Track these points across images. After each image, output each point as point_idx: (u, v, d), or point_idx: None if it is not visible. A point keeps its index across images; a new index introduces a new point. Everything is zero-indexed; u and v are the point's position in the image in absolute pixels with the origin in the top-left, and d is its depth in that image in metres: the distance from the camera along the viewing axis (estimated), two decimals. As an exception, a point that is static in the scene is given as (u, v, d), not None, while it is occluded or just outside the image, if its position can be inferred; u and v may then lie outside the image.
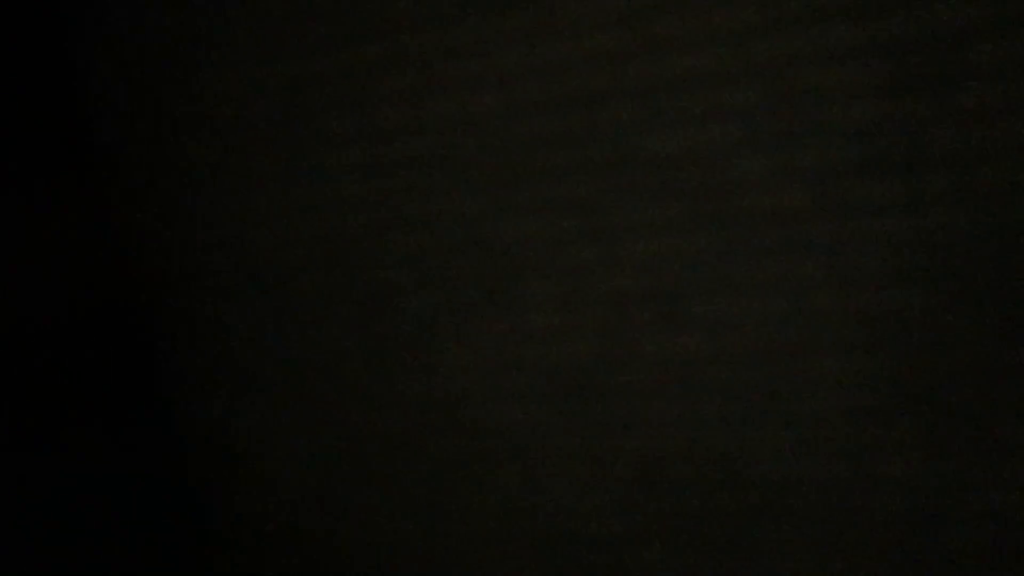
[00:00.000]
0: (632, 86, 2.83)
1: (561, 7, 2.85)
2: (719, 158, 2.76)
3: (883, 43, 2.57)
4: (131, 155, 3.53)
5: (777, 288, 2.77)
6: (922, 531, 2.73)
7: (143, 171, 3.52)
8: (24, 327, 3.20)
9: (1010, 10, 2.45)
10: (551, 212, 2.97)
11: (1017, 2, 2.45)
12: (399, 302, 3.20)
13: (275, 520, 3.57)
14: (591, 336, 2.98)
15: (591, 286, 2.95)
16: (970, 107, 2.52)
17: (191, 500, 3.71)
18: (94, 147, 3.59)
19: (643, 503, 3.01)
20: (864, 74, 2.60)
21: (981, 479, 2.66)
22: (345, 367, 3.33)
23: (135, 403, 3.61)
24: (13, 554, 3.11)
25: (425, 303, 3.17)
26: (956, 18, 2.49)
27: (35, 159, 3.29)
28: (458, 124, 3.04)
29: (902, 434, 2.73)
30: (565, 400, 3.05)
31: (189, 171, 3.43)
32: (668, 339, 2.89)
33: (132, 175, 3.54)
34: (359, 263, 3.24)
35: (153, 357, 3.66)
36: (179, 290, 3.54)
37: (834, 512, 2.81)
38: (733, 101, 2.73)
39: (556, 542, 3.14)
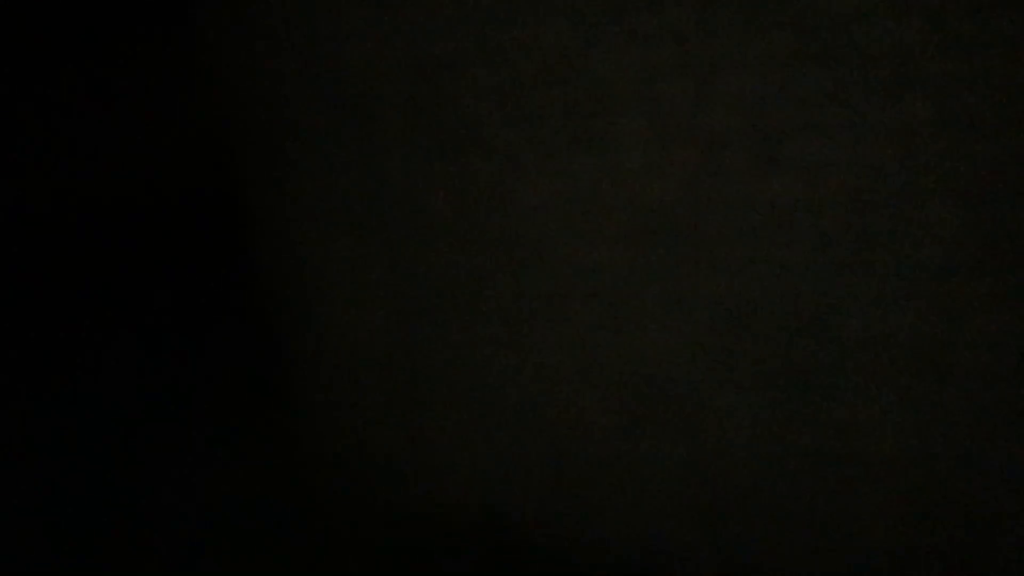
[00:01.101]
0: (739, -91, 2.64)
1: None
2: (828, -10, 2.59)
3: None
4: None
5: (880, 131, 2.63)
6: (1009, 389, 2.65)
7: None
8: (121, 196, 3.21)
9: None
10: (643, 44, 2.84)
11: None
12: (483, 136, 3.13)
13: (357, 357, 3.61)
14: (680, 176, 2.89)
15: (683, 124, 2.84)
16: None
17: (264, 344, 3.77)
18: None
19: (723, 349, 2.97)
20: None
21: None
22: (427, 201, 3.29)
23: (220, 250, 3.63)
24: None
25: (510, 138, 3.10)
26: None
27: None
28: (551, -51, 2.89)
29: (993, 291, 2.62)
30: (650, 241, 2.98)
31: (273, -5, 3.34)
32: (760, 182, 2.79)
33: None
34: (444, 94, 3.16)
35: (237, 202, 3.66)
36: (263, 121, 3.51)
37: (923, 367, 2.74)
38: (848, -73, 2.53)
39: (633, 383, 3.13)
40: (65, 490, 4.35)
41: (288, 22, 3.35)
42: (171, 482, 4.29)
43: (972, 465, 2.72)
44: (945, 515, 2.77)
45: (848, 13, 2.58)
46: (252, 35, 3.43)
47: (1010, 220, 2.59)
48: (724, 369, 2.98)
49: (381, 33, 3.20)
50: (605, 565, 3.26)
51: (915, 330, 2.72)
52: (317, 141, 3.43)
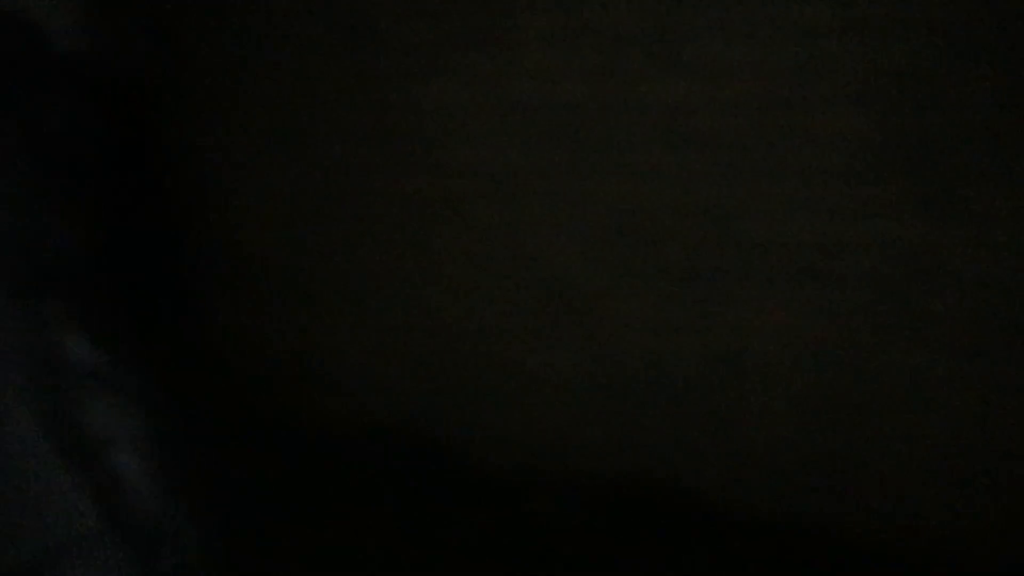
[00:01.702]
0: None
1: None
2: None
3: None
4: None
5: (778, 34, 2.61)
6: (902, 294, 2.71)
7: None
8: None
9: None
10: (548, -61, 2.76)
11: None
12: (382, 33, 3.04)
13: (257, 263, 3.54)
14: (581, 77, 2.84)
15: (585, 23, 2.79)
16: None
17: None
18: None
19: (623, 254, 2.97)
20: None
21: (963, 243, 2.61)
22: (325, 98, 3.20)
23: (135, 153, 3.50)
24: None
25: (409, 35, 3.01)
26: None
27: None
28: None
29: (893, 194, 2.65)
30: (551, 142, 2.95)
31: None
32: (663, 84, 2.76)
33: None
34: (342, -13, 3.05)
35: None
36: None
37: (816, 271, 2.78)
38: None
39: (533, 288, 3.12)
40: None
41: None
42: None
43: (851, 369, 2.79)
44: (832, 419, 2.84)
45: (752, -89, 2.54)
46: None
47: (913, 127, 2.61)
48: (623, 274, 2.99)
49: (275, -80, 3.06)
50: (511, 466, 3.29)
51: (814, 235, 2.75)
52: (206, 33, 3.30)
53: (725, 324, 2.90)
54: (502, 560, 2.97)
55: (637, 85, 2.80)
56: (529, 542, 3.03)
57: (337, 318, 3.45)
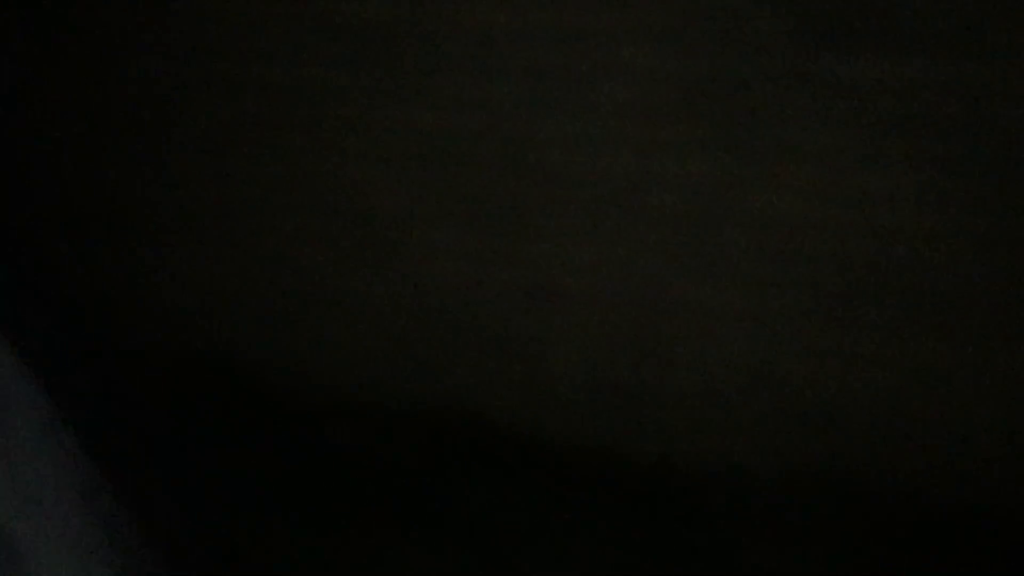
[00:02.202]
0: None
1: None
2: None
3: None
4: None
5: (584, -35, 2.62)
6: (697, 230, 2.77)
7: None
8: None
9: None
10: None
11: None
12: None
13: (66, 183, 3.41)
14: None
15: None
16: None
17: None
18: None
19: (433, 182, 2.96)
20: None
21: (754, 180, 2.68)
22: (128, 7, 3.09)
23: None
24: None
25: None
26: None
27: None
28: None
29: (693, 131, 2.70)
30: (364, 64, 2.91)
31: None
32: (469, 10, 2.74)
33: None
34: None
35: None
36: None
37: (616, 206, 2.82)
38: None
39: (341, 215, 3.09)
40: None
41: None
42: None
43: (649, 303, 2.85)
44: (629, 350, 2.91)
45: None
46: None
47: (706, 63, 2.66)
48: (433, 202, 2.98)
49: None
50: (315, 394, 3.28)
51: (610, 169, 2.79)
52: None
53: (531, 255, 2.93)
54: (298, 491, 2.97)
55: (451, 10, 2.78)
56: (330, 472, 3.04)
57: (147, 244, 3.36)
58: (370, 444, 3.12)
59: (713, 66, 2.65)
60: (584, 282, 2.88)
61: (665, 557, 2.88)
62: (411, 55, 2.85)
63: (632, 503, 2.91)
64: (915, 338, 2.64)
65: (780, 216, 2.70)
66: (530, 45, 2.74)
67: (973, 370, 2.60)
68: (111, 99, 3.24)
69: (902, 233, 2.63)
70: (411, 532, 2.98)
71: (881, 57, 2.53)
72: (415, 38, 2.84)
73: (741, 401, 2.81)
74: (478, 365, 3.07)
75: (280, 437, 3.16)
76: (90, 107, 3.28)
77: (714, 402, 2.84)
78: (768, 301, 2.76)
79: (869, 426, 2.72)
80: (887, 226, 2.63)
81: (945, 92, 2.50)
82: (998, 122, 2.47)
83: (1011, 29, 2.41)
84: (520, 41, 2.74)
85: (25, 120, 3.39)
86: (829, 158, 2.64)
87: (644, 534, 2.89)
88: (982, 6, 2.42)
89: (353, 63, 2.92)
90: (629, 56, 2.70)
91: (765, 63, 2.60)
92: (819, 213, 2.68)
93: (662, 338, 2.85)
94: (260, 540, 3.00)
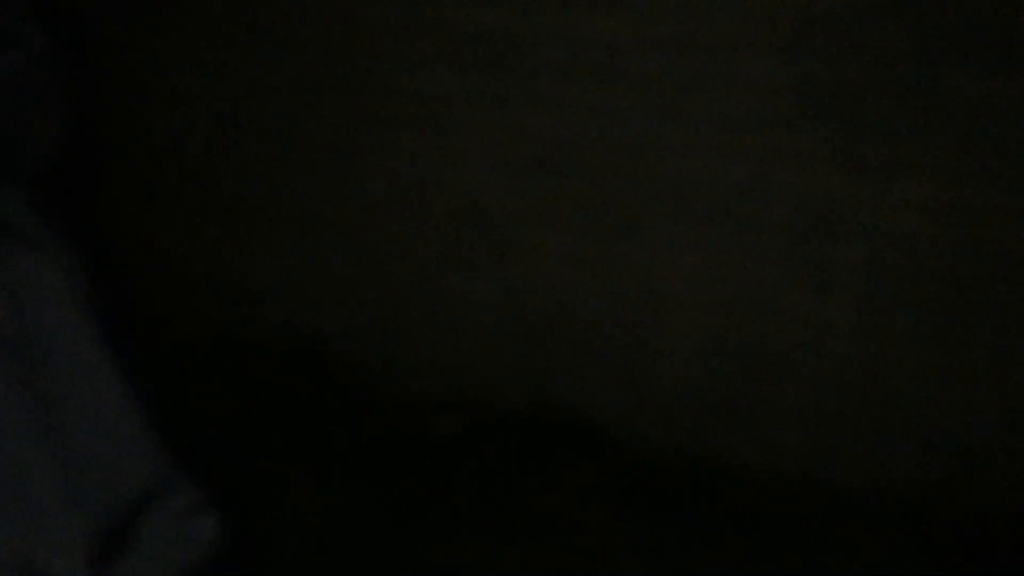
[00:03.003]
0: None
1: None
2: None
3: None
4: None
5: (709, -25, 2.64)
6: (810, 243, 2.77)
7: None
8: None
9: None
10: None
11: None
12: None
13: (177, 176, 3.52)
14: (513, 6, 2.85)
15: (520, -48, 2.79)
16: None
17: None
18: None
19: (543, 186, 3.00)
20: None
21: (869, 197, 2.67)
22: (257, 10, 3.19)
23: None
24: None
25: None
26: None
27: None
28: None
29: (811, 144, 2.70)
30: (481, 70, 2.96)
31: None
32: (589, 19, 2.78)
33: None
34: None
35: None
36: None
37: (731, 216, 2.83)
38: None
39: (452, 214, 3.14)
40: None
41: None
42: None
43: (763, 313, 2.85)
44: (735, 361, 2.91)
45: None
46: None
47: (829, 77, 2.65)
48: (542, 205, 3.02)
49: None
50: (423, 391, 3.33)
51: (725, 179, 2.80)
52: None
53: (638, 261, 2.95)
54: (402, 482, 3.02)
55: (568, 19, 2.82)
56: (432, 465, 3.08)
57: (259, 235, 3.45)
58: (469, 441, 3.16)
59: (832, 79, 2.64)
60: (693, 290, 2.89)
61: (758, 570, 2.86)
62: (528, 61, 2.89)
63: (731, 516, 2.90)
64: (1032, 360, 2.60)
65: (895, 232, 2.69)
66: (647, 54, 2.77)
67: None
68: (236, 96, 3.34)
69: (1020, 253, 2.59)
70: (491, 529, 3.01)
71: (1006, 74, 2.50)
72: (532, 45, 2.89)
73: (850, 418, 2.79)
74: (582, 368, 3.09)
75: (380, 430, 3.22)
76: (215, 104, 3.39)
77: (822, 418, 2.82)
78: (880, 317, 2.74)
79: (981, 450, 2.68)
80: (1005, 246, 2.60)
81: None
82: None
83: None
84: (637, 50, 2.77)
85: (155, 113, 3.51)
86: (946, 175, 2.62)
87: (737, 547, 2.89)
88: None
89: (471, 68, 2.98)
90: (746, 67, 2.71)
91: (886, 77, 2.59)
92: (935, 230, 2.66)
93: (771, 351, 2.84)
94: (350, 530, 3.06)
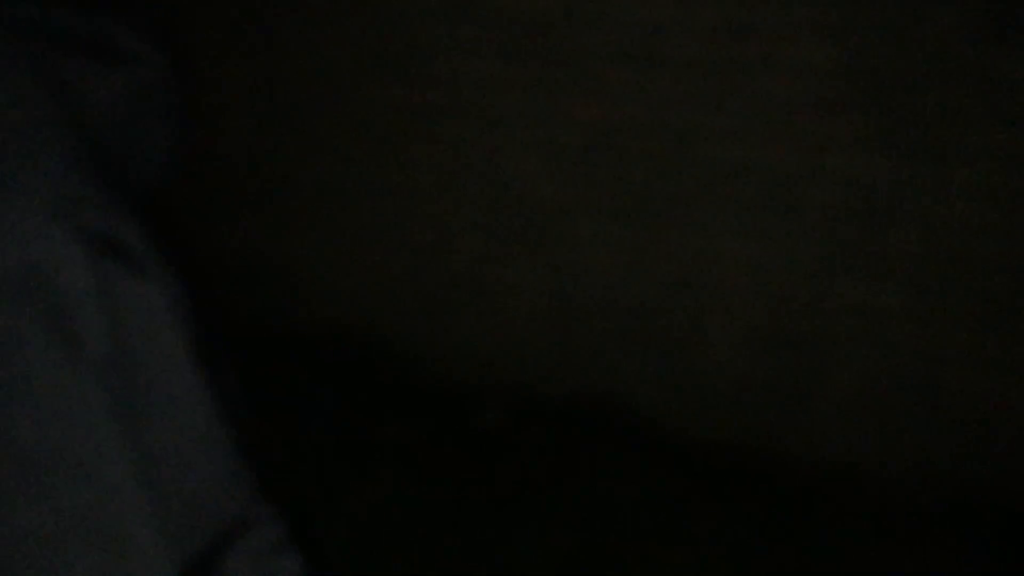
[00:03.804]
0: None
1: None
2: None
3: None
4: None
5: (758, -42, 2.60)
6: (860, 229, 2.73)
7: None
8: None
9: None
10: None
11: None
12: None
13: (225, 170, 3.52)
14: (557, -9, 2.82)
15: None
16: None
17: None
18: None
19: (589, 173, 2.97)
20: None
21: (921, 181, 2.62)
22: (303, 3, 3.18)
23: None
24: None
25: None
26: None
27: None
28: None
29: (858, 129, 2.66)
30: (524, 58, 2.94)
31: None
32: (633, 3, 2.74)
33: None
34: None
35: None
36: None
37: (779, 201, 2.79)
38: None
39: (499, 205, 3.13)
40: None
41: None
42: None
43: (816, 301, 2.81)
44: (784, 348, 2.87)
45: None
46: None
47: (882, 62, 2.61)
48: (588, 193, 2.99)
49: None
50: (466, 381, 3.32)
51: (775, 164, 2.76)
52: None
53: (683, 249, 2.92)
54: (448, 470, 3.02)
55: (612, 3, 2.79)
56: (475, 457, 3.08)
57: (308, 225, 3.46)
58: (514, 428, 3.15)
59: (881, 62, 2.59)
60: (740, 278, 2.86)
61: (806, 560, 2.84)
62: (573, 47, 2.86)
63: (777, 505, 2.88)
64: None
65: (947, 218, 2.64)
66: (695, 39, 2.73)
67: None
68: (275, 87, 3.34)
69: (1077, 240, 2.54)
70: (536, 519, 3.00)
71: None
72: (578, 30, 2.86)
73: (900, 407, 2.75)
74: (626, 357, 3.07)
75: (423, 422, 3.22)
76: (254, 95, 3.39)
77: (871, 407, 2.78)
78: (932, 304, 2.69)
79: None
80: (1061, 232, 2.55)
81: None
82: None
83: None
84: (685, 35, 2.74)
85: (193, 106, 3.51)
86: (1000, 160, 2.57)
87: (784, 536, 2.86)
88: None
89: (513, 55, 2.95)
90: (796, 51, 2.67)
91: (937, 60, 2.54)
92: (988, 216, 2.61)
93: (819, 339, 2.81)
94: (393, 522, 3.06)
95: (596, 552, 2.91)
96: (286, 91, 3.33)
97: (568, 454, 3.09)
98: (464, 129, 3.09)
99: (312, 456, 3.06)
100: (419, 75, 3.10)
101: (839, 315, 2.77)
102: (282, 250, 3.51)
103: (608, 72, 2.84)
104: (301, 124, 3.34)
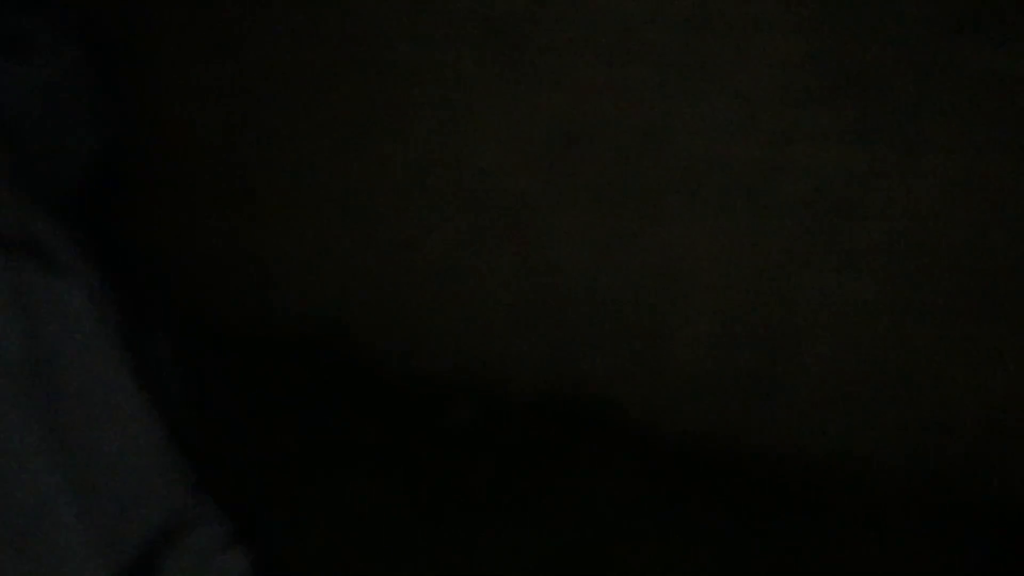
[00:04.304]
0: None
1: None
2: None
3: None
4: None
5: (725, -50, 2.60)
6: (830, 220, 2.73)
7: None
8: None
9: None
10: None
11: None
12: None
13: (190, 160, 3.49)
14: (526, -16, 2.81)
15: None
16: None
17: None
18: None
19: (560, 167, 2.97)
20: None
21: (891, 172, 2.63)
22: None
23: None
24: None
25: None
26: None
27: None
28: None
29: (828, 121, 2.67)
30: (494, 51, 2.93)
31: None
32: (606, -4, 2.74)
33: None
34: None
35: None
36: None
37: (749, 194, 2.79)
38: None
39: (470, 196, 3.12)
40: None
41: None
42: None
43: (788, 293, 2.82)
44: (755, 340, 2.88)
45: None
46: None
47: (849, 54, 2.61)
48: (560, 187, 2.99)
49: None
50: (440, 375, 3.31)
51: (746, 157, 2.76)
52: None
53: (656, 241, 2.92)
54: (420, 469, 3.00)
55: (582, -3, 2.78)
56: (449, 452, 3.07)
57: (276, 222, 3.43)
58: (487, 425, 3.14)
59: (850, 55, 2.60)
60: (712, 270, 2.87)
61: (781, 551, 2.85)
62: (543, 40, 2.85)
63: (752, 495, 2.89)
64: (1058, 336, 2.57)
65: (916, 208, 2.65)
66: (665, 32, 2.73)
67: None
68: (248, 81, 3.31)
69: (1044, 228, 2.56)
70: (510, 514, 2.99)
71: (1029, 47, 2.46)
72: (547, 23, 2.85)
73: (872, 396, 2.77)
74: (600, 349, 3.07)
75: (396, 418, 3.20)
76: (226, 90, 3.36)
77: (844, 397, 2.80)
78: (902, 294, 2.71)
79: (1005, 426, 2.65)
80: (1028, 221, 2.57)
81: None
82: None
83: None
84: (655, 28, 2.74)
85: (166, 102, 3.48)
86: (969, 151, 2.58)
87: (760, 526, 2.87)
88: None
89: (484, 48, 2.94)
90: (764, 45, 2.67)
91: (907, 53, 2.55)
92: (958, 207, 2.62)
93: (792, 329, 2.82)
94: (367, 520, 3.05)
95: (572, 549, 2.91)
96: (255, 88, 3.30)
97: (541, 449, 3.09)
98: (434, 123, 3.08)
99: (282, 454, 3.04)
100: (388, 69, 3.08)
101: (811, 306, 2.78)
102: (251, 248, 3.49)
103: (579, 65, 2.84)
104: (270, 121, 3.31)
